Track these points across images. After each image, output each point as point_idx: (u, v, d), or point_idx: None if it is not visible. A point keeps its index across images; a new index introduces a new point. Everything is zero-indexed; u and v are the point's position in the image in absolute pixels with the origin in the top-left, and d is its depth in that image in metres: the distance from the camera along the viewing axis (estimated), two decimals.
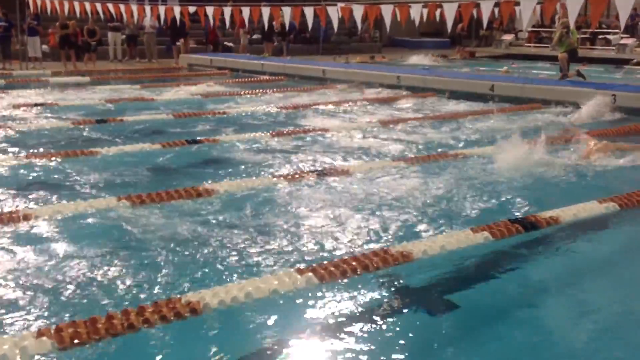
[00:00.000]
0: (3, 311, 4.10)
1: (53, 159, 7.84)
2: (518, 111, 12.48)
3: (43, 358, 3.45)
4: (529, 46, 30.21)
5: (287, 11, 18.88)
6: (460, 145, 9.31)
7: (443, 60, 25.08)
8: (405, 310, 4.32)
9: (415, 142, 9.56)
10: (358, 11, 17.66)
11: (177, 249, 5.22)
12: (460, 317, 4.26)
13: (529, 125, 11.17)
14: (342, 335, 3.91)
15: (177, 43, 23.69)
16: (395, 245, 5.01)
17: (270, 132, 9.78)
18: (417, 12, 16.70)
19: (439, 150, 8.84)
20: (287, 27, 25.18)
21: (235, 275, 4.66)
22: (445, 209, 6.25)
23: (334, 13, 18.12)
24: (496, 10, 19.11)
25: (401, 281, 4.66)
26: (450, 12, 15.39)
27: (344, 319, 4.11)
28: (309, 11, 18.17)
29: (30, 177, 7.26)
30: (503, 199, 6.71)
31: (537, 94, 13.31)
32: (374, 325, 4.06)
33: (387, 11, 16.55)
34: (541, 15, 26.56)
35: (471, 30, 29.04)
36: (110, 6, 21.38)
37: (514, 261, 5.27)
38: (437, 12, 18.93)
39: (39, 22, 21.81)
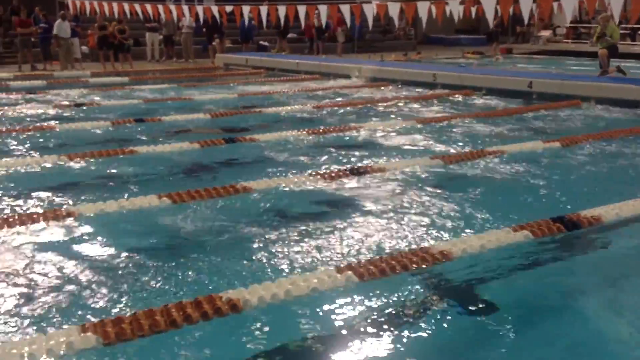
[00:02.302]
0: (48, 306, 4.18)
1: (94, 158, 7.97)
2: (557, 108, 12.32)
3: (88, 353, 3.51)
4: (567, 42, 29.78)
5: (323, 9, 18.88)
6: (499, 142, 9.22)
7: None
8: (445, 310, 4.29)
9: (453, 140, 9.50)
10: (394, 8, 17.60)
11: (217, 246, 5.28)
12: (500, 317, 4.21)
13: (568, 121, 11.04)
14: (381, 334, 3.90)
15: (213, 43, 23.89)
16: (435, 244, 4.99)
17: (307, 130, 9.80)
18: (454, 9, 16.57)
19: (478, 147, 8.76)
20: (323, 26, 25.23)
21: (275, 273, 4.68)
22: (485, 207, 6.19)
23: (369, 10, 18.08)
24: (534, 6, 18.88)
25: (441, 280, 4.63)
26: (488, 8, 15.25)
27: (383, 318, 4.10)
28: (345, 9, 18.17)
29: (73, 176, 7.38)
30: (544, 196, 6.64)
31: (576, 91, 13.10)
32: (413, 325, 4.04)
33: (423, 8, 16.47)
34: (579, 10, 26.16)
35: (508, 26, 28.71)
36: (148, 7, 21.63)
37: (555, 261, 5.21)
38: (473, 9, 18.79)
39: (78, 23, 22.16)
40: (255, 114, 11.86)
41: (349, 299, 4.27)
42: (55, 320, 4.02)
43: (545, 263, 5.13)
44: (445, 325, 4.08)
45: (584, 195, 6.68)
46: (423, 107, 13.09)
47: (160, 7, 21.64)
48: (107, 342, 3.52)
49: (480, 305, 4.36)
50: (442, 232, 5.51)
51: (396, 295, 4.36)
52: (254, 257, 5.02)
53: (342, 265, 4.55)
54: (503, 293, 4.52)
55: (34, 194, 6.59)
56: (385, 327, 3.99)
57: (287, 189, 6.72)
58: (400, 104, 13.31)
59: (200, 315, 3.79)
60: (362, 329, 3.97)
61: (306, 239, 5.40)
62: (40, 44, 21.12)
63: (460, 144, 9.21)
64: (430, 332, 3.96)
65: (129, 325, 3.62)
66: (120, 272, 4.75)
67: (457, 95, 14.28)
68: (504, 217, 5.88)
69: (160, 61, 23.96)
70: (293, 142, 9.29)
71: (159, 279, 4.63)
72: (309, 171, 7.39)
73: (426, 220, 5.85)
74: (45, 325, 3.95)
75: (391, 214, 6.01)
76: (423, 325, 4.04)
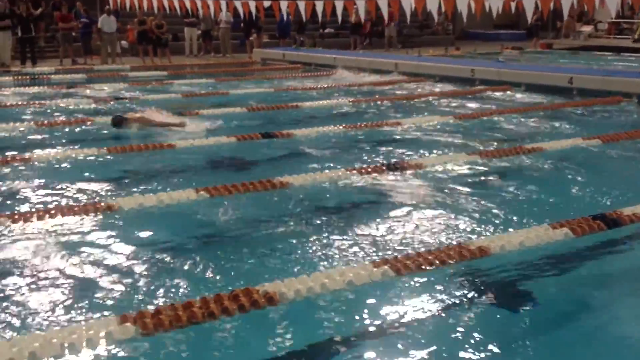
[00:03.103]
0: (88, 297, 4.25)
1: (133, 152, 8.07)
2: (598, 104, 12.11)
3: (127, 343, 3.56)
4: (609, 37, 29.23)
5: (361, 5, 18.82)
6: (538, 138, 9.10)
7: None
8: (481, 306, 4.26)
9: (491, 136, 9.41)
10: (432, 3, 17.44)
11: (254, 239, 5.31)
12: (537, 315, 4.17)
13: (609, 118, 10.85)
14: (417, 330, 3.89)
15: (250, 38, 24.01)
16: (473, 240, 4.94)
17: (344, 125, 9.79)
18: (493, 4, 16.37)
19: (516, 143, 8.66)
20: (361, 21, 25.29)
21: (311, 266, 4.69)
22: (524, 204, 6.13)
23: (407, 5, 17.96)
24: (574, 1, 18.55)
25: (478, 277, 4.59)
26: (528, 2, 15.03)
27: (419, 312, 4.09)
28: (382, 4, 18.07)
29: (112, 170, 7.49)
30: (583, 194, 6.54)
31: (618, 87, 12.86)
32: (449, 320, 4.03)
33: (462, 3, 16.30)
34: (622, 5, 25.68)
35: (548, 21, 28.27)
36: (186, 2, 21.80)
37: (595, 259, 5.14)
38: (513, 4, 18.51)
39: (118, 18, 22.45)
40: (292, 109, 11.89)
41: (385, 294, 4.26)
42: (94, 310, 4.08)
43: (585, 261, 5.06)
44: (481, 321, 4.05)
45: (624, 192, 6.55)
46: (461, 102, 12.98)
47: (199, 2, 21.79)
48: (146, 332, 3.57)
49: (518, 302, 4.32)
50: (479, 229, 5.47)
51: (433, 290, 4.34)
52: (290, 251, 5.04)
53: (378, 260, 4.54)
54: (541, 290, 4.47)
55: (74, 187, 6.70)
56: (422, 322, 3.98)
57: (323, 183, 6.73)
58: (438, 100, 13.21)
59: (237, 308, 3.81)
60: (397, 324, 3.96)
61: (342, 234, 5.40)
62: (81, 38, 21.45)
63: (498, 140, 9.11)
64: (466, 328, 3.93)
65: (167, 316, 3.67)
66: (158, 264, 4.81)
67: (495, 91, 14.13)
68: (543, 215, 5.81)
69: (198, 56, 24.14)
70: (330, 137, 9.29)
71: (197, 271, 4.67)
72: (346, 166, 7.38)
73: (464, 216, 5.81)
74: (84, 315, 4.02)
75: (428, 210, 5.98)
76: (459, 321, 4.01)
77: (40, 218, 5.48)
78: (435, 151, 8.36)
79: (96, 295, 4.28)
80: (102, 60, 21.04)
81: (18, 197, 6.38)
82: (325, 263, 4.78)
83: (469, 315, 4.11)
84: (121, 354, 3.53)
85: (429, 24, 31.02)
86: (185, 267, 4.73)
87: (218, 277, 4.59)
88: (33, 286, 4.40)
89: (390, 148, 8.60)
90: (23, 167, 7.34)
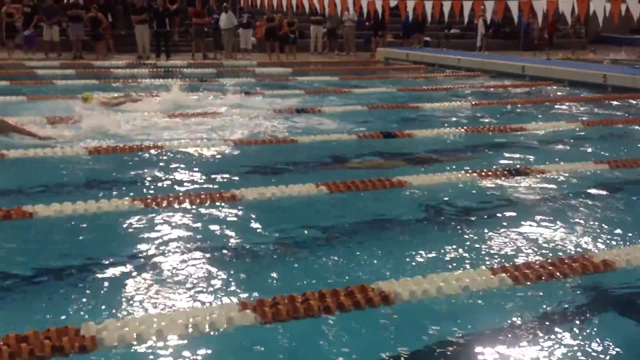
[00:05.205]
0: (210, 282, 4.44)
1: (258, 145, 8.33)
2: None
3: (246, 330, 3.69)
4: None
5: (489, 5, 18.46)
6: None
7: None
8: (603, 323, 4.11)
9: (621, 145, 9.00)
10: (565, 5, 16.83)
11: (370, 236, 5.36)
12: None
13: None
14: (532, 341, 3.80)
15: (377, 37, 24.11)
16: (597, 252, 4.77)
17: (465, 128, 9.66)
18: (633, 7, 15.59)
19: None
20: (488, 22, 24.71)
21: (426, 268, 4.68)
22: None
23: (539, 7, 17.43)
24: None
25: (601, 291, 4.43)
26: None
27: (534, 324, 3.99)
28: (513, 5, 17.63)
29: (238, 161, 7.77)
30: None
31: None
32: (566, 334, 3.90)
33: (597, 5, 15.63)
34: None
35: None
36: (314, 0, 22.14)
37: None
38: None
39: (253, 15, 23.15)
40: (414, 109, 11.84)
41: (501, 302, 4.19)
42: (216, 295, 4.26)
43: None
44: (600, 338, 3.90)
45: None
46: (590, 109, 12.48)
47: (326, 1, 22.06)
48: (264, 320, 3.69)
49: None
50: (604, 241, 5.26)
51: (551, 302, 4.24)
52: (405, 251, 5.04)
53: (496, 267, 4.47)
54: None
55: (202, 176, 7.01)
56: (537, 333, 3.89)
57: (442, 185, 6.67)
58: (565, 105, 12.77)
59: (353, 304, 3.87)
60: (512, 334, 3.89)
61: (459, 237, 5.35)
62: (212, 34, 22.27)
63: (629, 149, 8.70)
64: (584, 343, 3.81)
65: (285, 307, 3.77)
66: (276, 254, 4.97)
67: (629, 99, 13.46)
68: None
69: (322, 53, 24.47)
70: (450, 139, 9.20)
71: (313, 264, 4.78)
72: (466, 169, 7.28)
73: (588, 226, 5.61)
74: (207, 299, 4.20)
75: (550, 218, 5.81)
76: (578, 336, 3.89)
77: (169, 204, 5.77)
78: (560, 158, 8.08)
79: (219, 281, 4.47)
80: (226, 55, 21.71)
81: (151, 183, 6.75)
82: (441, 266, 4.75)
83: (589, 332, 3.97)
84: (240, 339, 3.67)
85: (560, 27, 29.92)
86: (302, 260, 4.85)
87: (333, 271, 4.67)
88: (160, 269, 4.64)
89: (513, 153, 8.40)
90: (157, 155, 7.74)
